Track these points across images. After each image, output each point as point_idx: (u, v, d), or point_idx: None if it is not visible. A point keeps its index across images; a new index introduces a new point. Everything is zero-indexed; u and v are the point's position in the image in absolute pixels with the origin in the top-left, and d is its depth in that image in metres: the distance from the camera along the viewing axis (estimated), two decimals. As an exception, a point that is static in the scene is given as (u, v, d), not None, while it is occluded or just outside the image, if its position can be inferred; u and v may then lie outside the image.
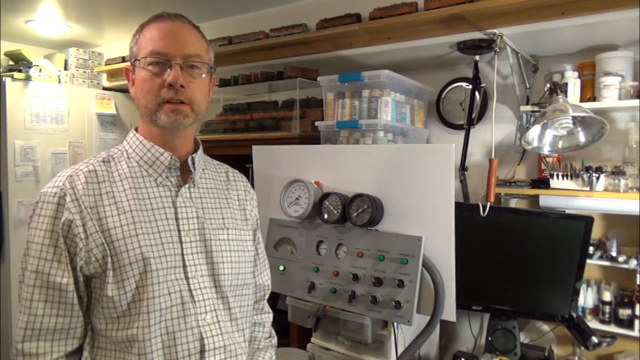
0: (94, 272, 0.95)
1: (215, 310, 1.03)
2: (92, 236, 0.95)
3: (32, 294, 0.94)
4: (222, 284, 1.05)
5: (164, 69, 0.98)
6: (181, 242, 1.01)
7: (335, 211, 1.56)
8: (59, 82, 3.11)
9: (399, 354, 1.62)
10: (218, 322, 1.03)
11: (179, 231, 1.02)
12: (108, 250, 0.95)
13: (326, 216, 1.58)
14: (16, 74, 2.86)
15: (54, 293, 0.94)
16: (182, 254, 1.01)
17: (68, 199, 0.95)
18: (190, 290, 1.00)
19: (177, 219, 1.02)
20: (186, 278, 1.00)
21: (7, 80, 2.81)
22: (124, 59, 3.11)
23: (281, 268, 1.66)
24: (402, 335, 1.70)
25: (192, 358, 0.98)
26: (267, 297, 1.29)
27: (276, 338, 1.29)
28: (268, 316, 1.28)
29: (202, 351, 0.99)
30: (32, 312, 0.94)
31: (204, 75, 1.04)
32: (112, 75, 3.33)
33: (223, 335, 1.03)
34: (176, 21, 1.02)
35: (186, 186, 1.06)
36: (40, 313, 0.94)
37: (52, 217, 0.95)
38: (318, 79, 1.97)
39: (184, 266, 1.01)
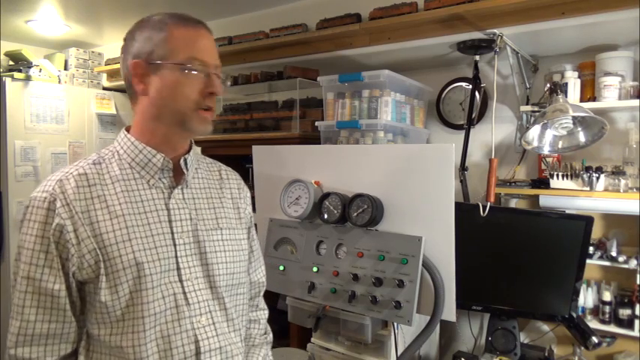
0: (86, 278, 0.94)
1: (210, 311, 1.03)
2: (84, 242, 0.93)
3: (24, 300, 0.93)
4: (217, 285, 1.05)
5: (201, 76, 0.99)
6: (175, 245, 1.00)
7: (335, 211, 1.56)
8: (59, 82, 3.11)
9: (399, 354, 1.62)
10: (213, 323, 1.03)
11: (172, 233, 1.01)
12: (100, 256, 0.93)
13: (326, 216, 1.58)
14: (16, 74, 2.86)
15: (46, 299, 0.94)
16: (176, 257, 1.00)
17: (58, 204, 0.93)
18: (185, 293, 1.00)
19: (170, 221, 1.01)
20: (180, 281, 0.99)
21: (7, 80, 2.81)
22: (124, 59, 3.11)
23: (281, 268, 1.66)
24: (402, 335, 1.70)
25: None
26: (262, 293, 1.29)
27: (271, 335, 1.28)
28: (264, 313, 1.28)
29: (198, 353, 0.99)
30: (24, 318, 0.93)
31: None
32: (112, 75, 3.33)
33: (219, 337, 1.03)
34: (206, 28, 1.03)
35: (179, 187, 1.05)
36: (32, 319, 0.93)
37: (42, 222, 0.93)
38: (318, 79, 1.97)
39: (178, 269, 1.00)
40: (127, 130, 1.07)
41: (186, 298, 0.99)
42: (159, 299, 0.96)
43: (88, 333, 0.99)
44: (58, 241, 0.93)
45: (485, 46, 1.80)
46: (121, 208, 0.97)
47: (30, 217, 0.95)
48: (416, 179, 1.45)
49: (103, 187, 0.98)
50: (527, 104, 1.96)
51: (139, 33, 1.00)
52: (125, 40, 1.03)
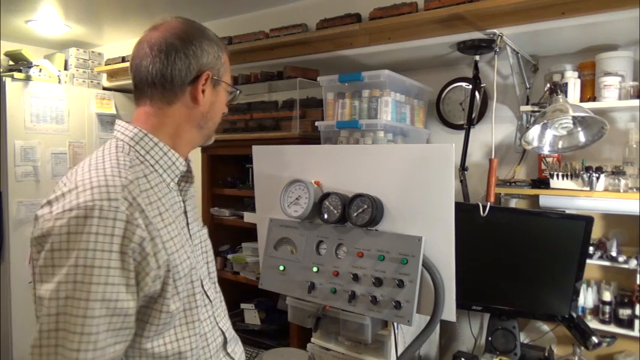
0: (153, 291, 0.90)
1: (220, 305, 1.12)
2: (159, 253, 0.89)
3: (99, 326, 0.82)
4: (215, 280, 1.15)
5: None
6: (193, 246, 1.05)
7: (335, 211, 1.56)
8: (59, 82, 3.11)
9: (399, 354, 1.62)
10: (225, 316, 1.12)
11: (190, 235, 1.05)
12: (168, 265, 0.91)
13: (326, 216, 1.58)
14: (16, 74, 2.86)
15: (117, 320, 0.85)
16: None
17: (137, 214, 0.86)
18: (205, 291, 1.05)
19: (187, 224, 1.05)
20: (200, 280, 1.04)
21: (7, 80, 2.81)
22: (124, 59, 3.11)
23: (281, 268, 1.66)
24: (402, 335, 1.70)
25: (218, 352, 1.06)
26: None
27: None
28: None
29: (225, 343, 1.08)
30: (99, 346, 0.82)
31: None
32: (112, 75, 3.32)
33: (230, 326, 1.14)
34: None
35: (185, 190, 1.07)
36: (103, 345, 0.83)
37: (120, 235, 0.83)
38: (318, 79, 1.97)
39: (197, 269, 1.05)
40: (132, 124, 1.03)
41: (207, 296, 1.06)
42: (199, 299, 1.01)
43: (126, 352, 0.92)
44: (138, 255, 0.86)
45: (485, 46, 1.80)
46: (170, 215, 0.95)
47: (97, 229, 0.81)
48: (416, 179, 1.45)
49: (150, 192, 0.93)
50: (527, 104, 1.96)
51: (207, 45, 1.00)
52: (184, 40, 0.98)
